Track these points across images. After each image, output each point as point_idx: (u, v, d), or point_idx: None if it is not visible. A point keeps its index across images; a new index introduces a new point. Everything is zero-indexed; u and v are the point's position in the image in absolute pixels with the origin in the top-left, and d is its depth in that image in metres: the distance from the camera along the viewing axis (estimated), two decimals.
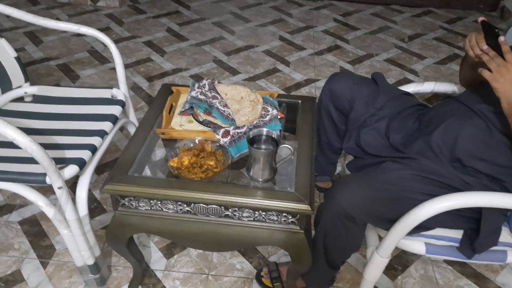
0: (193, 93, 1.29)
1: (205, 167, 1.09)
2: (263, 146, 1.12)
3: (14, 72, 1.45)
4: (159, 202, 1.05)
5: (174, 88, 1.36)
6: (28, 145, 0.98)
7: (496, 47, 0.99)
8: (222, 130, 1.18)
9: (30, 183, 1.12)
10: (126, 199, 1.06)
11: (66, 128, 1.32)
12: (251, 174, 1.09)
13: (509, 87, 0.96)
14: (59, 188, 1.09)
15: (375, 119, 1.27)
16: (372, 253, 1.13)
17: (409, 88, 1.42)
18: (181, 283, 1.44)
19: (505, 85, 0.96)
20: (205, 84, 1.32)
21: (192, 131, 1.20)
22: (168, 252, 1.53)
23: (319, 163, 1.58)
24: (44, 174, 1.08)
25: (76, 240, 1.22)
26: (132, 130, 1.51)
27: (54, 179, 1.07)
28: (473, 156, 1.07)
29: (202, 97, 1.28)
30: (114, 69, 1.45)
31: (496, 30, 1.00)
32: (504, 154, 1.06)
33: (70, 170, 1.13)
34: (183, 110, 1.26)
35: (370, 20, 3.34)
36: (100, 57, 2.67)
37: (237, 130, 1.18)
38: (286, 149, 1.11)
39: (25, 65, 1.49)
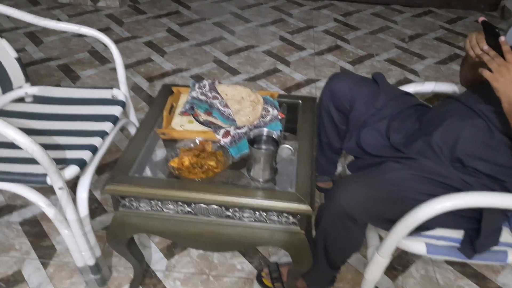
0: (194, 94, 1.29)
1: (206, 167, 1.09)
2: (263, 146, 1.12)
3: (15, 72, 1.45)
4: (159, 203, 1.05)
5: (174, 89, 1.36)
6: (29, 146, 0.98)
7: (497, 47, 0.99)
8: (222, 131, 1.18)
9: (31, 183, 1.12)
10: (126, 200, 1.06)
11: (66, 128, 1.32)
12: (251, 174, 1.09)
13: (509, 87, 0.96)
14: (59, 188, 1.09)
15: (375, 119, 1.27)
16: (372, 253, 1.13)
17: (409, 88, 1.42)
18: (181, 284, 1.44)
19: (506, 85, 0.96)
20: (205, 84, 1.32)
21: (192, 132, 1.20)
22: (169, 253, 1.53)
23: (320, 163, 1.58)
24: (45, 175, 1.08)
25: (77, 241, 1.22)
26: (132, 130, 1.51)
27: (54, 180, 1.07)
28: (473, 156, 1.07)
29: (202, 97, 1.28)
30: (114, 69, 1.45)
31: (497, 30, 1.00)
32: (505, 154, 1.06)
33: (71, 171, 1.13)
34: (183, 110, 1.26)
35: (370, 20, 3.34)
36: (101, 58, 2.67)
37: (237, 131, 1.18)
38: (286, 149, 1.11)
39: (25, 65, 1.49)
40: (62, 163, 1.14)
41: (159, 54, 2.76)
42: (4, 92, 1.43)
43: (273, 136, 1.10)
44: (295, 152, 1.14)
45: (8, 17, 1.32)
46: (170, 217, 1.08)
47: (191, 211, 1.06)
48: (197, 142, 1.16)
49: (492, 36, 1.01)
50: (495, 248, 1.08)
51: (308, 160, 1.12)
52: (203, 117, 1.22)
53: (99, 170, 1.83)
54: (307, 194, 1.01)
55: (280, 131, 1.20)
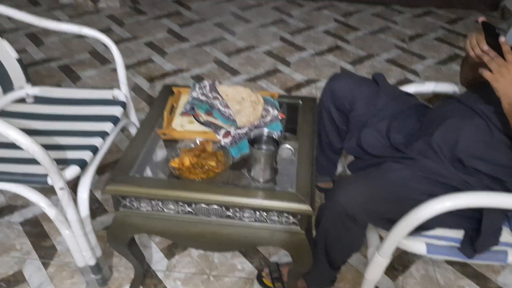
0: (194, 94, 1.29)
1: (206, 167, 1.09)
2: (264, 147, 1.12)
3: (16, 73, 1.45)
4: (160, 203, 1.06)
5: (175, 89, 1.37)
6: (30, 146, 0.98)
7: (497, 48, 0.99)
8: (223, 131, 1.18)
9: (32, 184, 1.12)
10: (127, 200, 1.07)
11: (67, 129, 1.32)
12: (252, 174, 1.09)
13: (509, 87, 0.96)
14: (60, 189, 1.10)
15: (376, 120, 1.27)
16: (373, 253, 1.13)
17: (410, 88, 1.42)
18: (182, 284, 1.44)
19: (506, 85, 0.97)
20: (206, 85, 1.32)
21: (193, 132, 1.21)
22: (169, 253, 1.54)
23: (320, 163, 1.58)
24: (46, 175, 1.08)
25: (78, 241, 1.22)
26: (133, 131, 1.51)
27: (55, 180, 1.07)
28: (474, 156, 1.07)
29: (203, 97, 1.28)
30: (115, 70, 1.45)
31: (497, 31, 1.00)
32: (505, 154, 1.06)
33: (72, 171, 1.13)
34: (184, 110, 1.26)
35: (370, 20, 3.34)
36: (101, 58, 2.67)
37: (238, 131, 1.18)
38: (286, 149, 1.12)
39: (26, 66, 1.49)
40: (63, 163, 1.14)
41: (159, 55, 2.76)
42: (5, 92, 1.43)
43: (274, 136, 1.10)
44: (295, 152, 1.14)
45: (9, 18, 1.33)
46: (170, 217, 1.08)
47: (192, 211, 1.06)
48: (198, 142, 1.16)
49: (492, 36, 1.01)
50: (495, 248, 1.08)
51: (308, 160, 1.12)
52: (204, 117, 1.22)
53: (100, 170, 1.83)
54: (308, 194, 1.01)
55: (281, 131, 1.20)
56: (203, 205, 1.04)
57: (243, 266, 1.50)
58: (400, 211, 1.01)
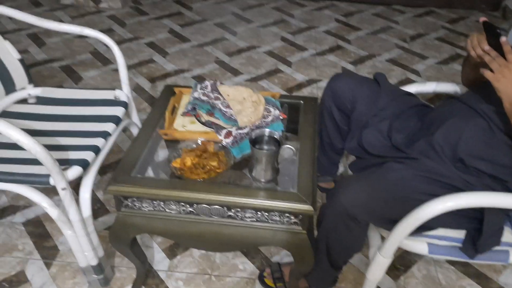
0: (196, 94, 1.30)
1: (208, 167, 1.09)
2: (265, 147, 1.12)
3: (18, 74, 1.46)
4: (162, 203, 1.06)
5: (176, 89, 1.37)
6: (32, 147, 0.99)
7: (498, 47, 0.99)
8: (224, 131, 1.18)
9: (34, 184, 1.13)
10: (129, 200, 1.07)
11: (69, 129, 1.33)
12: (253, 174, 1.10)
13: (510, 87, 0.96)
14: (62, 189, 1.10)
15: (377, 120, 1.27)
16: (374, 253, 1.13)
17: (411, 88, 1.42)
18: (184, 284, 1.44)
19: (507, 85, 0.97)
20: (207, 85, 1.32)
21: (194, 132, 1.21)
22: (171, 253, 1.54)
23: (321, 163, 1.58)
24: (48, 175, 1.08)
25: (80, 241, 1.23)
26: (135, 131, 1.51)
27: (57, 180, 1.08)
28: (475, 156, 1.07)
29: (204, 98, 1.28)
30: (116, 70, 1.46)
31: (498, 31, 1.00)
32: (506, 154, 1.06)
33: (74, 171, 1.13)
34: (185, 111, 1.26)
35: (371, 20, 3.34)
36: (103, 59, 2.68)
37: (239, 131, 1.19)
38: (288, 149, 1.12)
39: (28, 66, 1.49)
40: (65, 163, 1.14)
41: (161, 55, 2.76)
42: (7, 93, 1.43)
43: (275, 136, 1.10)
44: (296, 152, 1.14)
45: (10, 18, 1.33)
46: (172, 217, 1.08)
47: (193, 211, 1.06)
48: (199, 142, 1.16)
49: (493, 36, 1.01)
50: (497, 248, 1.08)
51: (309, 160, 1.12)
52: (205, 117, 1.23)
53: (102, 171, 1.84)
54: (309, 194, 1.01)
55: (282, 131, 1.20)
56: (205, 205, 1.04)
57: (245, 266, 1.51)
58: (401, 211, 1.01)
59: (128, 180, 1.05)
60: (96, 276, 1.36)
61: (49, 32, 2.89)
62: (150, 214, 1.09)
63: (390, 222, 1.06)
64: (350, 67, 2.71)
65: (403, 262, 1.53)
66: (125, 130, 1.48)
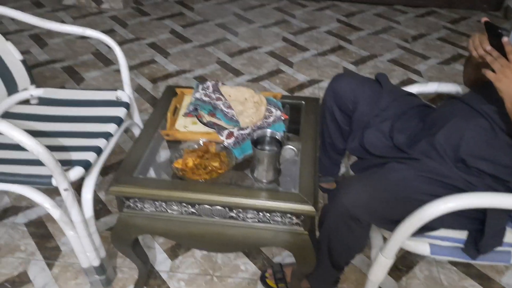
0: (197, 95, 1.30)
1: (209, 168, 1.09)
2: (267, 147, 1.12)
3: (20, 74, 1.46)
4: (164, 204, 1.06)
5: (178, 90, 1.37)
6: (35, 148, 0.99)
7: (500, 48, 0.99)
8: (226, 132, 1.18)
9: (36, 185, 1.13)
10: (131, 201, 1.07)
11: (71, 130, 1.33)
12: (255, 175, 1.10)
13: None
14: (65, 190, 1.10)
15: (379, 120, 1.27)
16: (376, 254, 1.13)
17: (412, 88, 1.42)
18: (186, 284, 1.44)
19: (509, 86, 0.96)
20: (209, 85, 1.32)
21: (196, 133, 1.21)
22: (173, 253, 1.54)
23: (323, 164, 1.58)
24: (50, 176, 1.09)
25: (82, 242, 1.23)
26: (136, 132, 1.51)
27: (60, 181, 1.08)
28: (477, 156, 1.07)
29: (206, 98, 1.28)
30: (118, 71, 1.46)
31: (500, 31, 1.00)
32: (508, 155, 1.06)
33: (76, 172, 1.13)
34: (187, 111, 1.26)
35: (373, 20, 3.34)
36: (105, 59, 2.68)
37: (241, 132, 1.19)
38: (289, 150, 1.12)
39: (30, 67, 1.50)
40: (67, 164, 1.15)
41: (162, 56, 2.77)
42: (9, 94, 1.44)
43: (277, 137, 1.10)
44: (298, 153, 1.14)
45: (12, 19, 1.33)
46: (174, 218, 1.08)
47: (195, 212, 1.06)
48: (201, 143, 1.16)
49: (495, 36, 1.01)
50: (499, 248, 1.08)
51: (311, 161, 1.12)
52: (207, 118, 1.23)
53: (104, 171, 1.84)
54: (311, 194, 1.01)
55: (284, 132, 1.21)
56: (207, 206, 1.04)
57: (247, 266, 1.51)
58: (403, 212, 1.01)
59: (130, 180, 1.05)
60: (98, 276, 1.36)
61: (51, 33, 2.90)
62: (152, 215, 1.09)
63: (392, 223, 1.06)
64: (351, 67, 2.71)
65: (405, 262, 1.53)
66: (127, 130, 1.48)
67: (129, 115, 1.48)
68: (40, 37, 2.90)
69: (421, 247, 1.10)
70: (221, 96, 1.29)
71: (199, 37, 3.01)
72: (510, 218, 1.12)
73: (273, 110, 1.26)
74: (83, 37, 2.85)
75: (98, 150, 1.23)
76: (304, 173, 1.08)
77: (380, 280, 1.17)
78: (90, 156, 1.20)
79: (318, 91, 2.46)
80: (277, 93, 1.36)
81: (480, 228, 1.05)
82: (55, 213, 1.15)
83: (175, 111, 1.30)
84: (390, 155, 1.19)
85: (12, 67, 1.43)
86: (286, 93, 2.40)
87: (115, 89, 1.48)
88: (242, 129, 1.19)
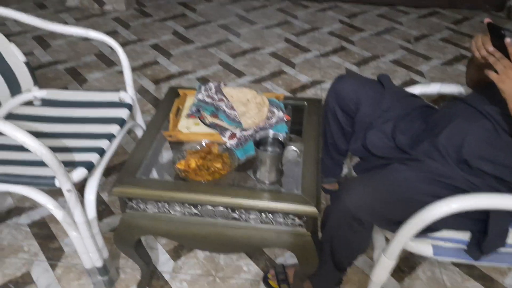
0: (200, 96, 1.30)
1: (212, 169, 1.09)
2: (269, 148, 1.12)
3: (23, 76, 1.47)
4: (166, 204, 1.06)
5: (180, 91, 1.37)
6: (38, 149, 0.99)
7: (503, 49, 0.99)
8: (228, 133, 1.18)
9: (40, 186, 1.13)
10: (134, 202, 1.07)
11: (74, 131, 1.33)
12: (257, 176, 1.10)
13: None
14: (68, 191, 1.11)
15: (381, 121, 1.27)
16: (379, 255, 1.13)
17: (415, 89, 1.42)
18: (188, 285, 1.44)
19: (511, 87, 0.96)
20: (211, 87, 1.33)
21: (199, 134, 1.21)
22: (175, 254, 1.54)
23: (325, 164, 1.58)
24: (53, 177, 1.09)
25: (85, 242, 1.23)
26: (139, 133, 1.52)
27: (63, 182, 1.08)
28: (479, 157, 1.07)
29: (208, 100, 1.29)
30: (121, 72, 1.47)
31: (502, 32, 1.00)
32: (511, 155, 1.05)
33: (79, 173, 1.14)
34: (190, 112, 1.27)
35: (375, 21, 3.34)
36: (108, 61, 2.69)
37: (243, 133, 1.19)
38: (292, 151, 1.12)
39: (33, 69, 1.50)
40: (70, 165, 1.15)
41: (165, 57, 2.77)
42: (13, 95, 1.44)
43: (279, 138, 1.10)
44: (300, 154, 1.14)
45: (16, 21, 1.34)
46: (177, 219, 1.09)
47: (198, 213, 1.06)
48: (204, 144, 1.16)
49: (497, 37, 1.00)
50: (502, 249, 1.08)
51: (313, 162, 1.12)
52: (209, 119, 1.23)
53: (106, 172, 1.85)
54: (313, 196, 1.01)
55: (286, 133, 1.21)
56: (209, 207, 1.04)
57: (249, 267, 1.51)
58: (406, 213, 1.01)
59: (133, 182, 1.06)
60: (101, 277, 1.36)
61: (54, 35, 2.91)
62: (154, 216, 1.09)
63: (395, 224, 1.06)
64: (354, 68, 2.71)
65: (407, 264, 1.53)
66: (130, 132, 1.49)
67: (132, 116, 1.48)
68: (43, 39, 2.91)
69: (424, 248, 1.10)
70: (223, 97, 1.29)
71: (202, 38, 3.01)
72: None
73: (276, 111, 1.26)
74: (86, 39, 2.86)
75: (101, 151, 1.24)
76: (307, 174, 1.08)
77: (383, 281, 1.17)
78: (93, 157, 1.20)
79: (320, 92, 2.46)
80: (280, 94, 1.36)
81: (483, 229, 1.05)
82: (58, 214, 1.15)
83: (178, 112, 1.30)
84: (393, 156, 1.19)
85: (16, 68, 1.44)
86: (288, 94, 2.40)
87: (118, 90, 1.48)
88: (244, 130, 1.20)
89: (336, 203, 1.07)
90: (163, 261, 1.52)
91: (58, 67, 2.62)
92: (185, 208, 1.06)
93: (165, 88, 2.45)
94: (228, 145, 1.16)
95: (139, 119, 1.54)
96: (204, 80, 2.53)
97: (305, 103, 1.37)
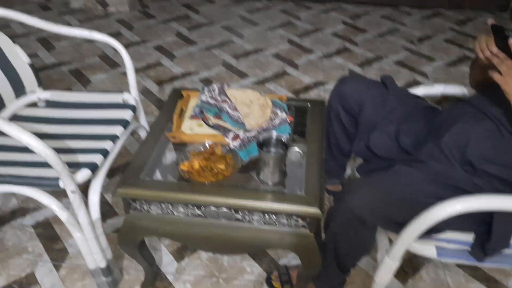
0: (203, 97, 1.30)
1: (215, 170, 1.09)
2: (272, 150, 1.12)
3: (28, 77, 1.47)
4: (170, 206, 1.07)
5: (184, 92, 1.38)
6: (42, 150, 1.00)
7: (506, 50, 0.98)
8: (232, 134, 1.19)
9: (44, 187, 1.14)
10: (137, 203, 1.08)
11: (78, 132, 1.34)
12: (261, 177, 1.10)
13: None
14: (72, 192, 1.11)
15: (385, 122, 1.27)
16: (382, 256, 1.13)
17: (418, 90, 1.42)
18: (191, 286, 1.44)
19: None
20: (215, 88, 1.33)
21: (202, 135, 1.21)
22: (179, 255, 1.54)
23: (329, 166, 1.58)
24: (58, 178, 1.09)
25: (89, 243, 1.24)
26: (143, 134, 1.52)
27: (67, 183, 1.09)
28: (484, 158, 1.06)
29: (212, 101, 1.29)
30: (125, 73, 1.47)
31: (506, 33, 1.00)
32: None
33: (83, 174, 1.14)
34: (193, 114, 1.27)
35: (379, 22, 3.33)
36: (111, 62, 2.70)
37: (246, 134, 1.19)
38: (295, 152, 1.12)
39: (38, 70, 1.51)
40: (74, 166, 1.15)
41: (168, 58, 2.78)
42: (17, 97, 1.45)
43: (282, 139, 1.11)
44: (304, 155, 1.14)
45: (20, 22, 1.34)
46: (180, 220, 1.09)
47: (201, 214, 1.07)
48: (207, 145, 1.17)
49: (501, 38, 1.00)
50: (507, 251, 1.07)
51: (317, 163, 1.12)
52: (213, 120, 1.23)
53: (110, 173, 1.85)
54: (317, 197, 1.01)
55: (289, 134, 1.21)
56: (213, 208, 1.05)
57: (252, 269, 1.51)
58: (409, 214, 1.01)
59: (137, 183, 1.06)
60: (104, 278, 1.36)
61: (58, 36, 2.92)
62: (158, 217, 1.09)
63: (398, 225, 1.05)
64: (357, 69, 2.71)
65: (411, 265, 1.53)
66: (133, 133, 1.49)
67: (136, 117, 1.49)
68: (47, 40, 2.93)
69: (428, 249, 1.10)
70: (226, 99, 1.29)
71: (205, 39, 3.02)
72: None
73: (279, 112, 1.26)
74: (90, 40, 2.86)
75: (105, 153, 1.24)
76: (310, 175, 1.08)
77: (386, 282, 1.17)
78: (97, 158, 1.20)
79: (323, 93, 2.46)
80: (283, 95, 1.36)
81: (487, 230, 1.05)
82: (62, 215, 1.16)
83: (181, 113, 1.30)
84: (396, 158, 1.18)
85: (20, 70, 1.45)
86: (291, 95, 2.40)
87: (122, 92, 1.49)
88: (247, 131, 1.20)
89: (339, 204, 1.07)
90: (167, 262, 1.52)
91: (62, 68, 2.63)
92: (188, 209, 1.06)
93: (168, 89, 2.46)
94: (231, 146, 1.16)
95: (143, 120, 1.55)
96: (207, 82, 2.54)
97: (308, 104, 1.37)
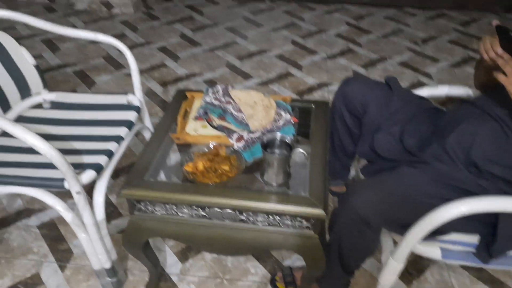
0: (207, 99, 1.31)
1: (220, 171, 1.10)
2: (276, 151, 1.12)
3: (33, 79, 1.48)
4: (174, 207, 1.07)
5: (188, 94, 1.38)
6: (47, 151, 1.01)
7: (511, 51, 0.98)
8: (236, 135, 1.19)
9: (49, 188, 1.14)
10: (142, 204, 1.08)
11: (83, 134, 1.35)
12: (265, 178, 1.10)
13: None
14: (77, 192, 1.12)
15: (389, 123, 1.27)
16: (387, 258, 1.12)
17: (423, 91, 1.41)
18: (196, 287, 1.45)
19: None
20: (219, 89, 1.33)
21: (206, 136, 1.22)
22: (183, 256, 1.55)
23: (333, 167, 1.58)
24: (63, 179, 1.10)
25: (94, 244, 1.24)
26: (147, 135, 1.53)
27: (72, 184, 1.09)
28: (488, 160, 1.06)
29: (216, 102, 1.29)
30: (129, 75, 1.48)
31: (511, 34, 0.99)
32: None
33: (88, 175, 1.15)
34: (197, 115, 1.27)
35: (382, 23, 3.33)
36: (116, 63, 2.71)
37: (250, 135, 1.19)
38: (299, 153, 1.12)
39: (43, 72, 1.52)
40: (79, 167, 1.16)
41: (172, 59, 2.79)
42: (23, 98, 1.46)
43: (286, 140, 1.11)
44: (308, 156, 1.14)
45: (25, 24, 1.35)
46: (184, 221, 1.09)
47: (206, 215, 1.07)
48: (211, 146, 1.17)
49: (506, 39, 1.00)
50: (511, 253, 1.07)
51: (321, 164, 1.12)
52: (217, 121, 1.23)
53: (115, 174, 1.85)
54: (321, 198, 1.01)
55: (293, 135, 1.21)
56: (217, 209, 1.05)
57: (257, 270, 1.51)
58: (414, 216, 1.01)
59: (141, 184, 1.06)
60: (109, 279, 1.37)
61: (63, 38, 2.93)
62: (162, 218, 1.10)
63: (403, 227, 1.05)
64: (361, 70, 2.71)
65: (416, 266, 1.52)
66: (138, 134, 1.50)
67: (140, 118, 1.49)
68: (52, 42, 2.94)
69: (432, 251, 1.09)
70: (231, 100, 1.29)
71: (209, 40, 3.03)
72: None
73: (283, 113, 1.26)
74: (95, 42, 2.88)
75: (110, 154, 1.25)
76: (314, 176, 1.08)
77: (391, 284, 1.17)
78: (101, 159, 1.21)
79: (327, 94, 2.46)
80: (287, 97, 1.36)
81: (492, 232, 1.04)
82: (67, 215, 1.16)
83: (185, 114, 1.30)
84: (401, 159, 1.18)
85: (25, 71, 1.45)
86: (295, 97, 2.40)
87: (126, 93, 1.49)
88: (251, 132, 1.20)
89: (343, 206, 1.07)
90: (171, 263, 1.52)
91: (67, 70, 2.64)
92: (193, 210, 1.06)
93: (172, 90, 2.46)
94: (235, 147, 1.17)
95: (147, 121, 1.55)
96: (211, 83, 2.54)
97: (312, 105, 1.37)
